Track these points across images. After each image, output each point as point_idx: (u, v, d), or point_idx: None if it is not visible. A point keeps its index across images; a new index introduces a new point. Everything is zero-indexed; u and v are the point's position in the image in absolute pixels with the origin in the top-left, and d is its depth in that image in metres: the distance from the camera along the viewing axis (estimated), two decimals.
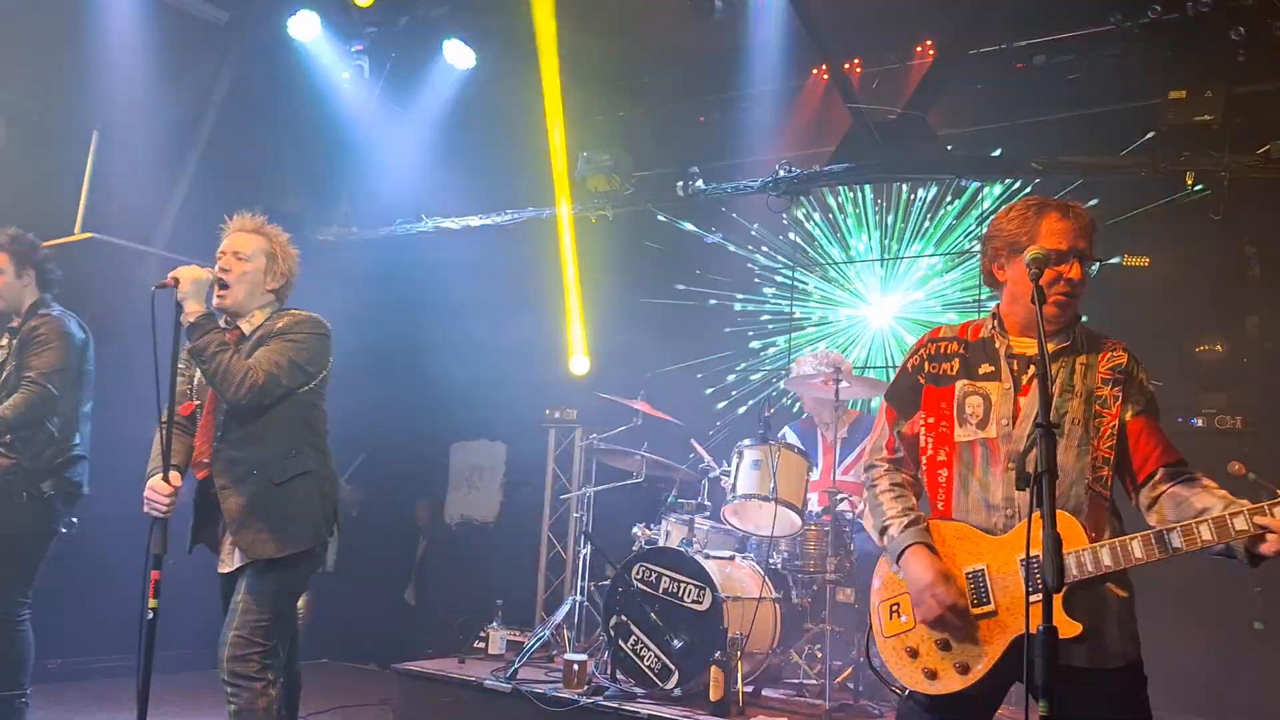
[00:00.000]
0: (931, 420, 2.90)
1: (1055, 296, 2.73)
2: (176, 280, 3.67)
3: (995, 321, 2.91)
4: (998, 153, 7.35)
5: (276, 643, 3.72)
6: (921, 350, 3.00)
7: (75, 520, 4.90)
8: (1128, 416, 2.73)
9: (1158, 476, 2.70)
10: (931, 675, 2.74)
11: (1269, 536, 2.42)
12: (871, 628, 2.95)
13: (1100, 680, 2.59)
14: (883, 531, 2.90)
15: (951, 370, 2.90)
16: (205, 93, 8.17)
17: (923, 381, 2.95)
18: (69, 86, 7.31)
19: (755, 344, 8.45)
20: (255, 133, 8.48)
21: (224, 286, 3.85)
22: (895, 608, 2.88)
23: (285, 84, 8.22)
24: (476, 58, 7.93)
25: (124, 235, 7.85)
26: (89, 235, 7.60)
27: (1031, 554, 2.57)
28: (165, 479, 3.61)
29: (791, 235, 8.40)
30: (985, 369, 2.85)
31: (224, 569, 3.82)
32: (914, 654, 2.80)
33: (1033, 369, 2.77)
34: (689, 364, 8.61)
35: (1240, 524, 2.43)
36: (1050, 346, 2.78)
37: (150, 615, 3.43)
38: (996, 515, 2.74)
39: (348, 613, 8.64)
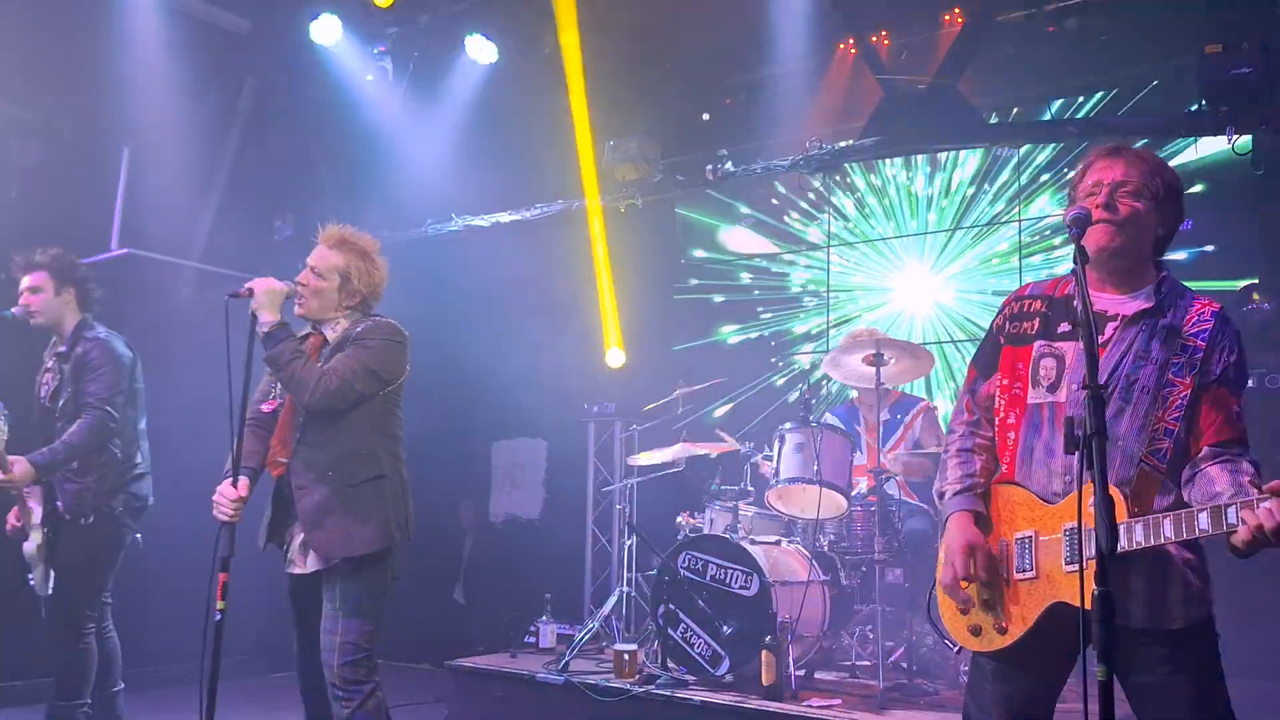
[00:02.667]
0: (1006, 382, 2.84)
1: (1090, 224, 2.60)
2: (251, 291, 3.77)
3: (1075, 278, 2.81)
4: (1034, 118, 7.25)
5: (374, 647, 3.78)
6: (1006, 309, 2.93)
7: (140, 536, 4.97)
8: (1198, 386, 2.61)
9: (1201, 454, 2.59)
10: (976, 631, 2.76)
11: (1240, 528, 2.30)
12: (935, 583, 2.93)
13: (1160, 641, 2.53)
14: (940, 496, 2.90)
15: (1031, 329, 2.82)
16: (232, 103, 8.21)
17: (1003, 341, 2.89)
18: (98, 104, 7.36)
19: (793, 325, 8.39)
20: (283, 140, 8.51)
21: (300, 298, 3.93)
22: None
23: (310, 89, 8.24)
24: (498, 52, 7.91)
25: (159, 249, 7.91)
26: (125, 251, 7.66)
27: (1073, 524, 2.55)
28: (234, 484, 3.68)
29: (825, 215, 8.33)
30: (1064, 328, 2.76)
31: (295, 570, 3.84)
32: (965, 611, 2.80)
33: (1111, 329, 2.69)
34: (726, 349, 8.57)
35: (1230, 517, 2.32)
36: (1128, 310, 2.69)
37: (218, 617, 3.49)
38: (1057, 481, 2.67)
39: (399, 614, 8.63)
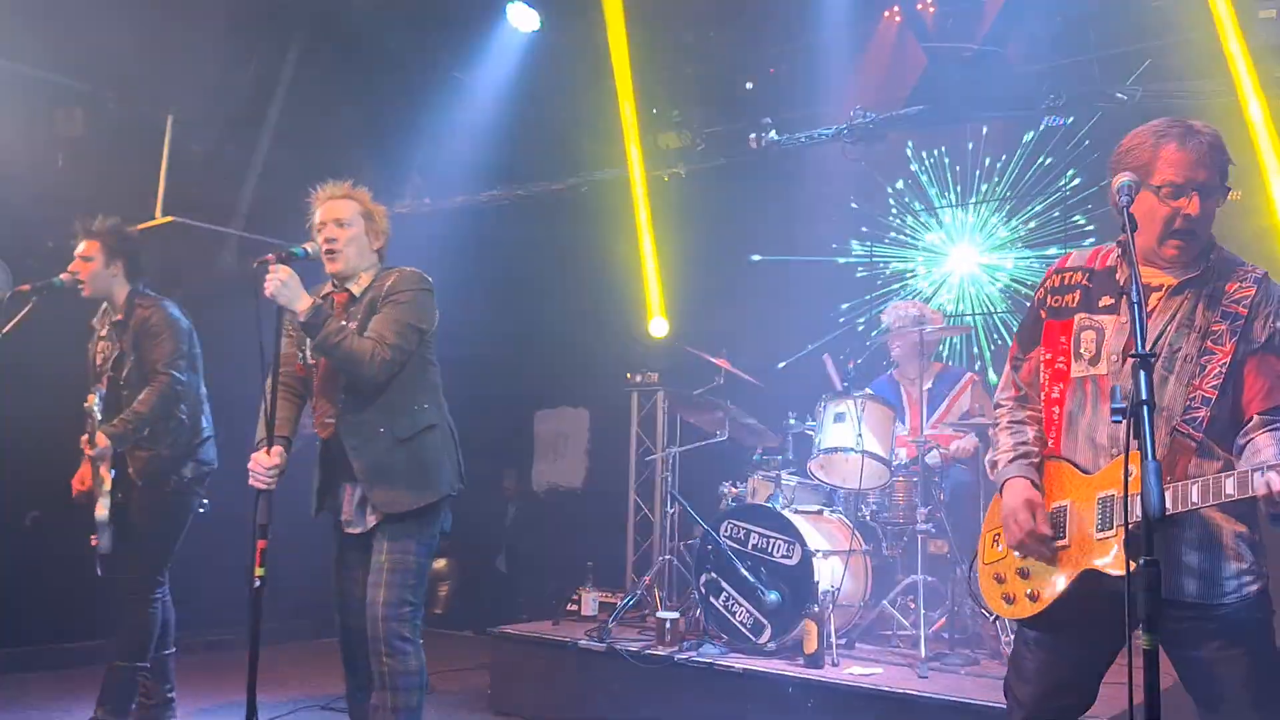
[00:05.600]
0: (1049, 356, 2.82)
1: (1174, 236, 2.60)
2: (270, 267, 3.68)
3: (1119, 250, 2.76)
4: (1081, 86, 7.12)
5: (420, 600, 3.82)
6: (1047, 282, 2.90)
7: (207, 501, 5.03)
8: (1242, 353, 2.57)
9: (1251, 423, 2.55)
10: (1009, 600, 2.78)
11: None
12: (977, 554, 2.99)
13: (1212, 615, 2.51)
14: (994, 465, 2.90)
15: (1072, 302, 2.79)
16: (273, 71, 8.21)
17: (1044, 315, 2.87)
18: (141, 73, 7.39)
19: (838, 297, 8.34)
20: (324, 109, 8.52)
21: (333, 254, 3.89)
22: (997, 537, 2.87)
23: (351, 58, 8.24)
24: (540, 20, 7.86)
25: (203, 217, 7.97)
26: (170, 219, 7.72)
27: (1107, 492, 2.56)
28: (268, 452, 3.69)
29: (878, 187, 8.25)
30: (1105, 301, 2.73)
31: (354, 530, 3.87)
32: (1000, 580, 2.83)
33: (1155, 299, 2.65)
34: (770, 320, 8.52)
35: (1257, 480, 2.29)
36: (1173, 279, 2.66)
37: (257, 583, 3.50)
38: (1102, 455, 2.66)
39: (441, 581, 8.75)
